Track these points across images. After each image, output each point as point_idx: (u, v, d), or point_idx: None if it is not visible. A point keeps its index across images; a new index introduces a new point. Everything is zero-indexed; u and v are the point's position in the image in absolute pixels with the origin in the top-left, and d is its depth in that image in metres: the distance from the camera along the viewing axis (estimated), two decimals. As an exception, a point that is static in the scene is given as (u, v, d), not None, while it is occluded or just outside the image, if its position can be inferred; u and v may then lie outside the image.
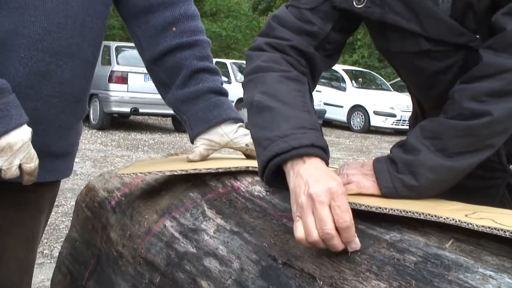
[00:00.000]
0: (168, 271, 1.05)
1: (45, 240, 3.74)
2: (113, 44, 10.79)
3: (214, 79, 1.38)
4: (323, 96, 14.25)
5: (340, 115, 14.61)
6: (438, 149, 0.95)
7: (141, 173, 1.22)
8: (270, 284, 0.87)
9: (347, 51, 24.78)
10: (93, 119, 10.31)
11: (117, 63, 10.19)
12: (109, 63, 10.29)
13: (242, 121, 1.37)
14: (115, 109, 9.99)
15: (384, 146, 11.06)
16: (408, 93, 1.37)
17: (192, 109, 1.34)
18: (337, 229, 0.81)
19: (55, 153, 1.30)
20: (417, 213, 0.84)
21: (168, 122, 12.03)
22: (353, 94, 14.53)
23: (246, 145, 1.33)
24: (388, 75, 21.29)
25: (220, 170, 1.19)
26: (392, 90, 15.54)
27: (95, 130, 10.01)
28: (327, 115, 13.84)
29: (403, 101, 14.05)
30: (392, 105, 13.85)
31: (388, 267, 0.79)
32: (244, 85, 1.07)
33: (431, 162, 0.95)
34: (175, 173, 1.19)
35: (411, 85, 1.23)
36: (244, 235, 1.00)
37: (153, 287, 1.07)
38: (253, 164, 1.23)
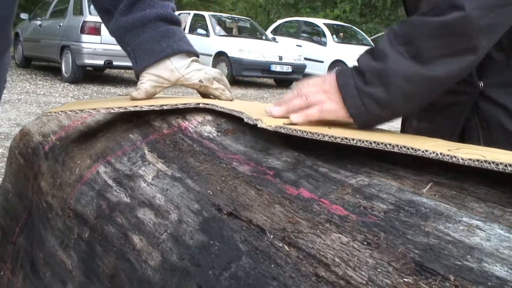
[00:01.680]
0: (98, 224, 0.89)
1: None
2: (85, -7, 10.39)
3: (164, 5, 1.18)
4: (303, 50, 14.02)
5: (320, 70, 14.39)
6: (412, 55, 0.80)
7: (71, 111, 1.04)
8: (211, 238, 0.72)
9: (329, 5, 24.41)
10: (65, 72, 9.99)
11: (90, 13, 9.77)
12: (81, 13, 9.90)
13: (197, 55, 1.19)
14: (87, 61, 9.66)
15: (363, 101, 10.95)
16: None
17: (137, 39, 1.14)
18: None
19: None
20: (390, 145, 0.69)
21: (145, 76, 11.73)
22: (334, 49, 14.31)
23: (200, 81, 1.14)
24: (369, 30, 21.06)
25: (165, 108, 1.02)
26: (373, 45, 15.35)
27: (67, 84, 9.71)
28: (307, 70, 13.60)
29: (384, 56, 13.87)
30: (373, 60, 13.67)
31: (352, 216, 0.64)
32: None
33: (404, 69, 0.80)
34: (112, 110, 1.02)
35: None
36: (186, 182, 0.84)
37: (82, 243, 0.91)
38: (205, 101, 1.07)
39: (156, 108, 1.02)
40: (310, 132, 0.77)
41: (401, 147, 0.68)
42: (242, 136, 0.92)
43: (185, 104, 1.03)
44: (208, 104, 1.02)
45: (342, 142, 0.73)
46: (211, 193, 0.79)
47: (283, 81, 13.03)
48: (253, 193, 0.75)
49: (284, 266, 0.63)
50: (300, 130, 0.78)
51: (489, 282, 0.49)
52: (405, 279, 0.53)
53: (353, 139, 0.72)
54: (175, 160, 0.90)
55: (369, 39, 16.21)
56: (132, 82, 11.10)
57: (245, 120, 0.88)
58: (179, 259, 0.73)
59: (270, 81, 13.58)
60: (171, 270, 0.73)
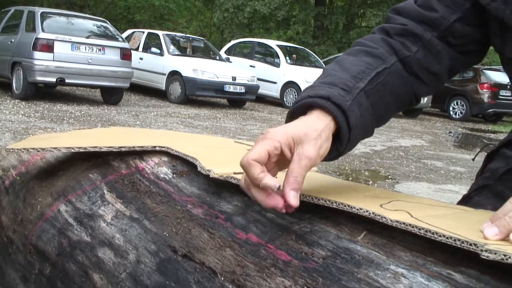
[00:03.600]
0: (59, 261, 0.94)
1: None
2: (38, 10, 10.28)
3: None
4: (256, 71, 14.20)
5: (273, 91, 14.61)
6: None
7: (33, 148, 1.09)
8: (167, 279, 0.78)
9: (282, 27, 24.78)
10: (15, 89, 9.84)
11: (43, 30, 9.70)
12: (33, 30, 9.79)
13: None
14: (39, 78, 9.54)
15: (315, 123, 11.13)
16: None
17: None
18: None
19: None
20: (329, 201, 0.78)
21: (97, 94, 11.65)
22: (286, 71, 14.54)
23: None
24: (321, 52, 21.46)
25: (123, 149, 1.08)
26: (325, 67, 15.65)
27: (18, 100, 9.56)
28: (261, 91, 13.79)
29: (335, 78, 14.17)
30: (325, 82, 13.94)
31: (295, 262, 0.72)
32: None
33: None
34: (73, 150, 1.08)
35: None
36: (144, 223, 0.90)
37: (43, 279, 0.96)
38: (161, 143, 1.13)
39: (114, 150, 1.08)
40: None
41: (339, 204, 0.76)
42: (196, 178, 0.99)
43: (142, 147, 1.09)
44: (164, 147, 1.09)
45: None
46: (167, 234, 0.86)
47: (237, 101, 13.16)
48: (206, 236, 0.82)
49: (233, 307, 0.70)
50: None
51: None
52: (338, 322, 0.61)
53: None
54: (133, 201, 0.97)
55: (321, 61, 16.54)
56: (84, 100, 11.01)
57: (198, 168, 0.96)
58: (137, 298, 0.79)
59: (224, 101, 13.69)
60: (129, 309, 0.79)
